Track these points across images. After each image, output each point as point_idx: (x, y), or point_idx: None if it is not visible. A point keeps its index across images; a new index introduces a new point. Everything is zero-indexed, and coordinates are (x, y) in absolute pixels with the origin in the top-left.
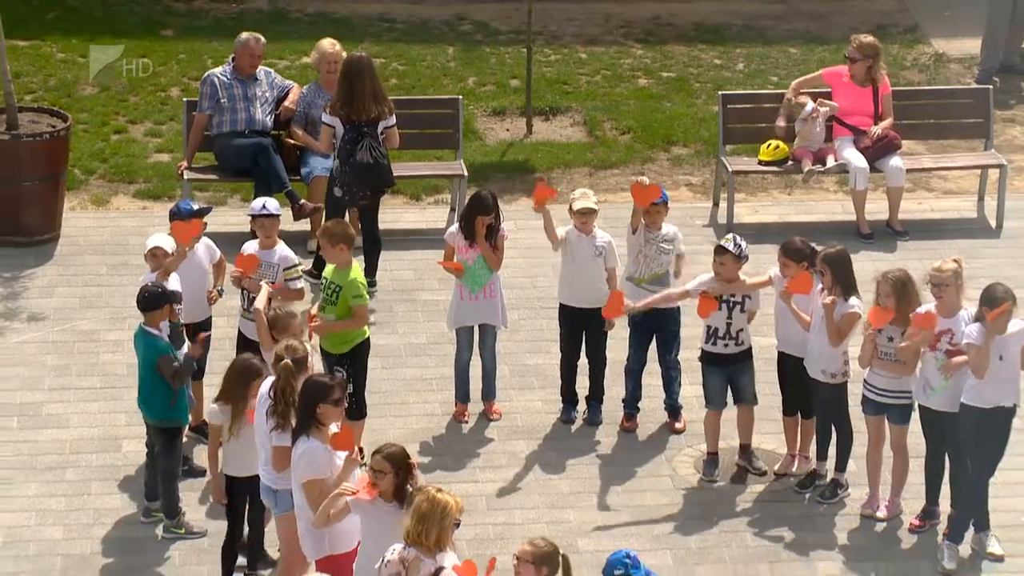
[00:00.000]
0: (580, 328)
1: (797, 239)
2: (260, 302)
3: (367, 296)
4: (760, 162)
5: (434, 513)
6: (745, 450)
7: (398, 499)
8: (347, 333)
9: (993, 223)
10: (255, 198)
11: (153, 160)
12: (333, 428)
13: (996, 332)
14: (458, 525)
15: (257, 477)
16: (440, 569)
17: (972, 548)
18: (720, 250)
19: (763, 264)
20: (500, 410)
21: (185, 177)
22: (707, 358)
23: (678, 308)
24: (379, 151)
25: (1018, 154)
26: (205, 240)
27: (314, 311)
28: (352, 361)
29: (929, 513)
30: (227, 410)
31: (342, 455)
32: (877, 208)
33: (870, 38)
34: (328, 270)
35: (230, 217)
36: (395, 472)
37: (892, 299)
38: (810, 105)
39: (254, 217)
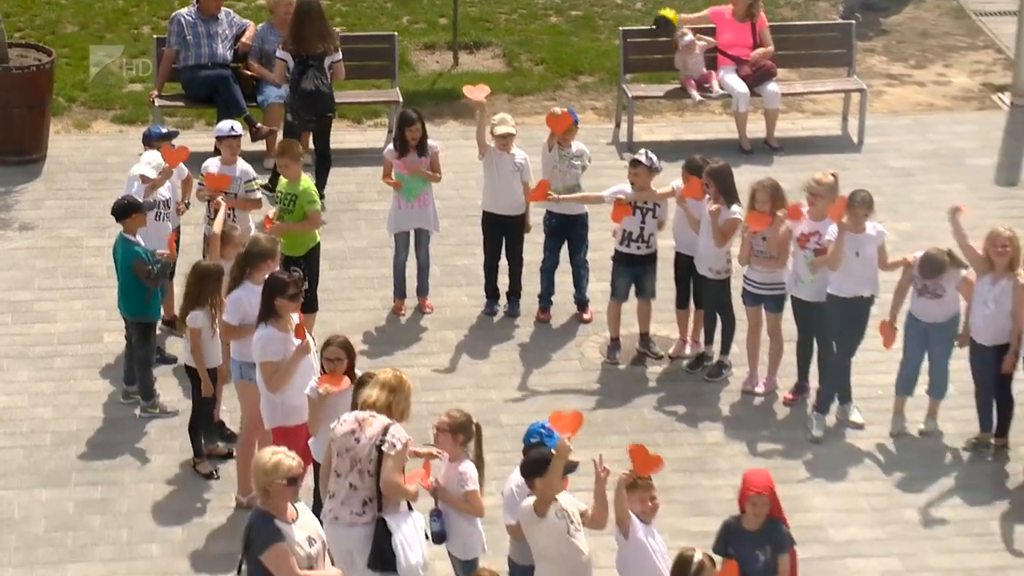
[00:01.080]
0: (500, 233)
1: (697, 156)
2: (217, 226)
3: (319, 203)
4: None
5: (403, 389)
6: (644, 337)
7: (351, 377)
8: (303, 237)
9: (855, 140)
10: (218, 122)
11: (128, 90)
12: (294, 319)
13: (847, 229)
14: None
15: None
16: (389, 424)
17: (837, 418)
18: (635, 163)
19: (659, 177)
20: (432, 304)
21: (156, 104)
22: (619, 257)
23: (586, 214)
24: (322, 81)
25: (877, 80)
26: None
27: (271, 214)
28: (307, 263)
29: (800, 388)
30: (201, 314)
31: (297, 342)
32: (756, 128)
33: None
34: (282, 183)
35: (195, 139)
36: (348, 358)
37: (767, 205)
38: (688, 36)
39: (221, 138)
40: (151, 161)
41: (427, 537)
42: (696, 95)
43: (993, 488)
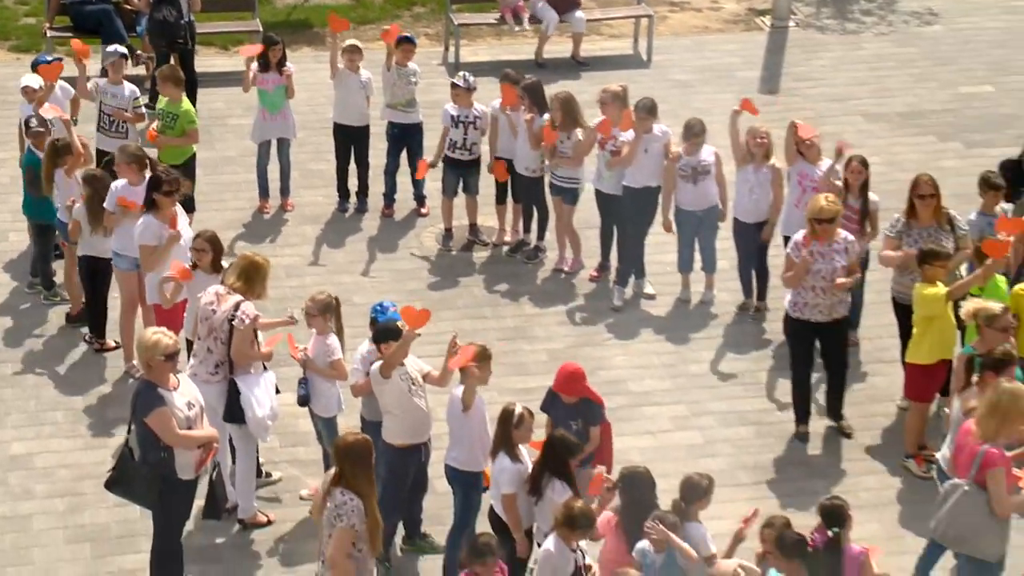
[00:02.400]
0: (349, 141)
1: (510, 71)
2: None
3: (197, 122)
4: None
5: (258, 272)
6: (472, 227)
7: (215, 270)
8: (182, 149)
9: (645, 58)
10: (104, 49)
11: (23, 23)
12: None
13: (639, 132)
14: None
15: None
16: (241, 302)
17: (633, 290)
18: (455, 85)
19: (483, 93)
20: (293, 203)
21: (48, 35)
22: (447, 161)
23: (422, 123)
24: (174, 13)
25: (661, 7)
26: (61, 83)
27: (154, 127)
28: (185, 170)
29: (603, 267)
30: (82, 207)
31: (172, 230)
32: (564, 48)
33: None
34: (163, 102)
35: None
36: (212, 250)
37: (559, 113)
38: None
39: (107, 60)
40: (33, 83)
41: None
42: (512, 23)
43: (757, 344)
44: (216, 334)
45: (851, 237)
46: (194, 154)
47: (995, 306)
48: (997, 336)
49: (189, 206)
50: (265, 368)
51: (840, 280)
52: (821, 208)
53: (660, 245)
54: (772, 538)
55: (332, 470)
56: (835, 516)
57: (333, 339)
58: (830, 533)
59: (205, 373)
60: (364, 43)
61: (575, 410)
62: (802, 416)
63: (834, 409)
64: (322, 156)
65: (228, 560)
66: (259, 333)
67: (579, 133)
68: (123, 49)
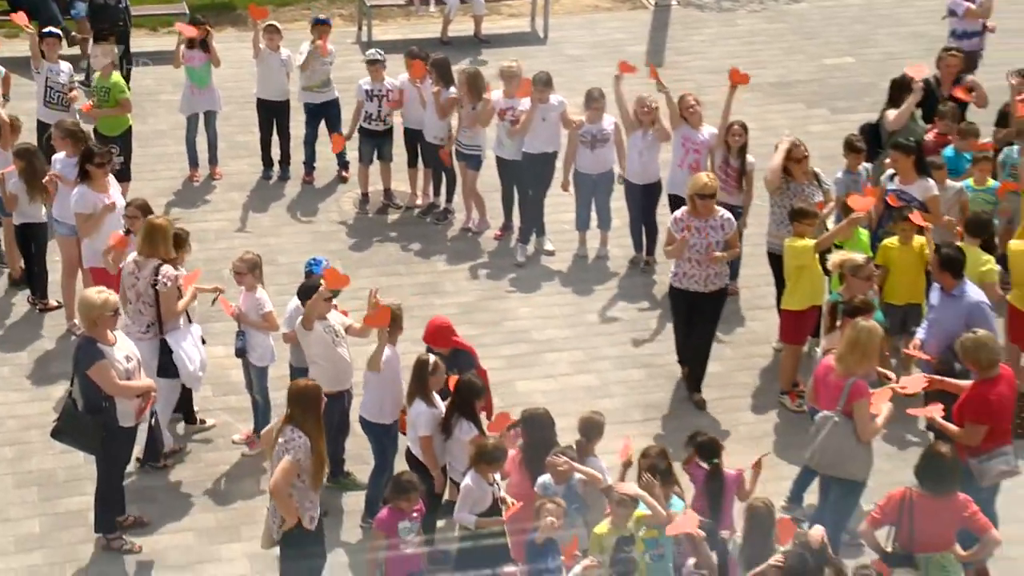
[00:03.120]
0: (271, 114)
1: (415, 48)
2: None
3: (128, 92)
4: None
5: (158, 232)
6: (387, 192)
7: None
8: (118, 120)
9: (541, 35)
10: (41, 30)
11: None
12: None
13: (535, 102)
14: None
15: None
16: (161, 263)
17: (534, 247)
18: (370, 61)
19: (393, 69)
20: (221, 172)
21: None
22: (363, 132)
23: (339, 99)
24: None
25: None
26: None
27: (88, 103)
28: (122, 141)
29: (506, 227)
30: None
31: (106, 199)
32: (467, 27)
33: None
34: (96, 78)
35: (19, 45)
36: (143, 216)
37: (466, 87)
38: None
39: (42, 38)
40: None
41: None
42: (420, 5)
43: (647, 294)
44: (143, 298)
45: (728, 214)
46: (130, 127)
47: (858, 257)
48: (860, 284)
49: (125, 175)
50: (190, 320)
51: (716, 253)
52: (705, 184)
53: (558, 205)
54: (647, 466)
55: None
56: (711, 448)
57: (262, 293)
58: (707, 465)
59: (138, 332)
60: (283, 24)
61: (448, 360)
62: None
63: (695, 380)
64: (247, 128)
65: (164, 501)
66: (181, 290)
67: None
68: (55, 31)
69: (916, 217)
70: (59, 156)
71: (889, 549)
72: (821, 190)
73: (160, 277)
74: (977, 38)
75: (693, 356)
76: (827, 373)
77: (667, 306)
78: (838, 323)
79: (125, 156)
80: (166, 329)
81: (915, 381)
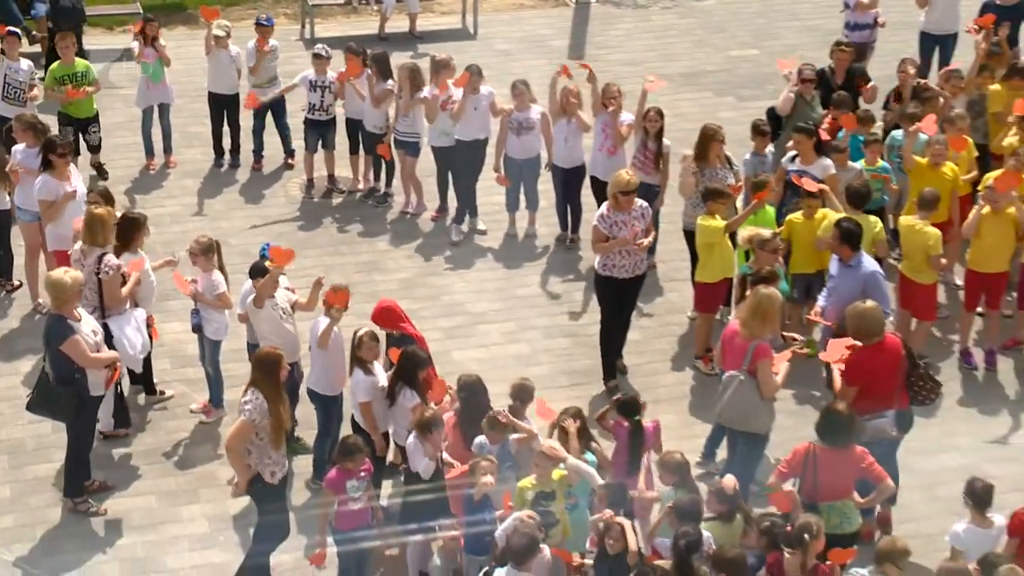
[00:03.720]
0: (221, 107)
1: (353, 44)
2: None
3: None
4: None
5: (96, 222)
6: (331, 178)
7: None
8: (90, 102)
9: (472, 31)
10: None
11: None
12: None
13: (468, 92)
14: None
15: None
16: (104, 254)
17: (468, 227)
18: (315, 55)
19: (335, 63)
20: (175, 160)
21: None
22: (308, 122)
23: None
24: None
25: None
26: None
27: (71, 88)
28: (96, 119)
29: (442, 208)
30: None
31: (68, 187)
32: (403, 25)
33: None
34: (63, 70)
35: None
36: (104, 202)
37: (406, 80)
38: None
39: (3, 37)
40: None
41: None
42: (357, 2)
43: (572, 269)
44: (89, 284)
45: (644, 203)
46: (96, 112)
47: (765, 232)
48: (767, 257)
49: (99, 148)
50: (136, 305)
51: (643, 242)
52: (627, 182)
53: (490, 189)
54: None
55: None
56: (633, 406)
57: (217, 275)
58: (629, 423)
59: (87, 315)
60: (233, 21)
61: (396, 340)
62: (607, 352)
63: (617, 348)
64: (199, 120)
65: (127, 466)
66: (125, 276)
67: (422, 95)
68: (15, 29)
69: (807, 183)
70: (19, 147)
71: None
72: (732, 172)
73: (103, 266)
74: (868, 30)
75: (620, 332)
76: (733, 337)
77: (591, 280)
78: (747, 293)
79: (94, 145)
80: (109, 314)
81: (836, 347)
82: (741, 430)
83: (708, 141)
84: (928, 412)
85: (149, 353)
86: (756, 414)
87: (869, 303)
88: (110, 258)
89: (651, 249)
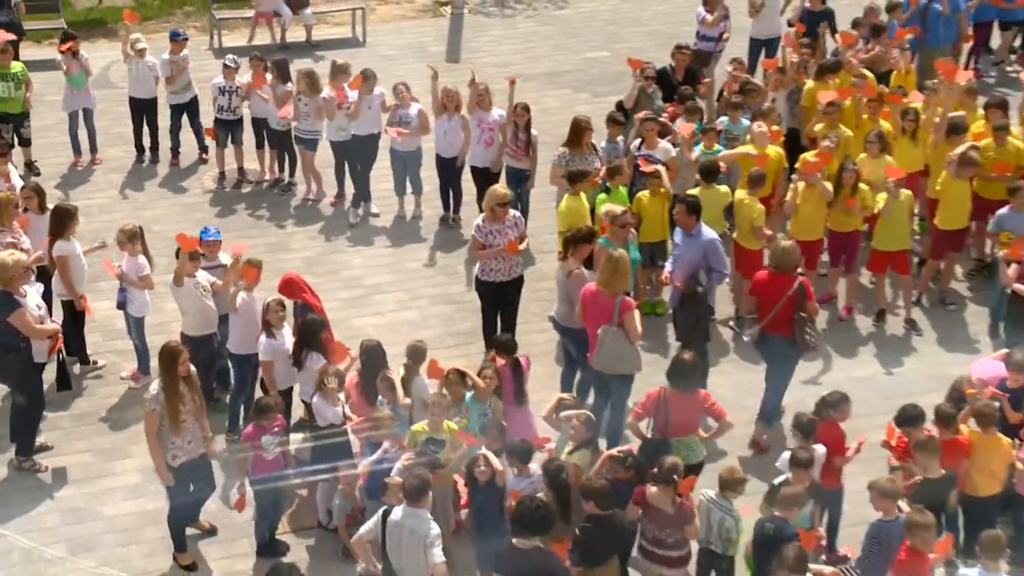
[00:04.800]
0: (141, 110)
1: (257, 53)
2: None
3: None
4: None
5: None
6: (240, 170)
7: (42, 211)
8: (19, 102)
9: (361, 40)
10: None
11: None
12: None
13: (363, 93)
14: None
15: None
16: (11, 244)
17: (363, 211)
18: (225, 65)
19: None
20: (101, 158)
21: None
22: (218, 122)
23: (196, 98)
24: (12, 14)
25: (371, 0)
26: None
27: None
28: (29, 120)
29: (339, 195)
30: None
31: (3, 184)
32: (300, 34)
33: None
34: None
35: None
36: (37, 196)
37: (304, 83)
38: None
39: None
40: None
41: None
42: (258, 26)
43: (454, 244)
44: None
45: (518, 214)
46: (27, 112)
47: (617, 208)
48: (619, 231)
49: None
50: (39, 281)
51: (519, 247)
52: (504, 195)
53: (381, 176)
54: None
55: None
56: (510, 345)
57: (141, 259)
58: (508, 361)
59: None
60: (148, 34)
61: (299, 309)
62: (489, 345)
63: (508, 330)
64: (121, 122)
65: (66, 428)
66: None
67: (320, 99)
68: None
69: (644, 163)
70: None
71: (648, 436)
72: (599, 158)
73: None
74: (713, 43)
75: (503, 327)
76: (596, 297)
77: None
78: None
79: (27, 142)
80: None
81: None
82: (616, 374)
83: (581, 131)
84: (752, 356)
85: (83, 327)
86: (629, 358)
87: (790, 243)
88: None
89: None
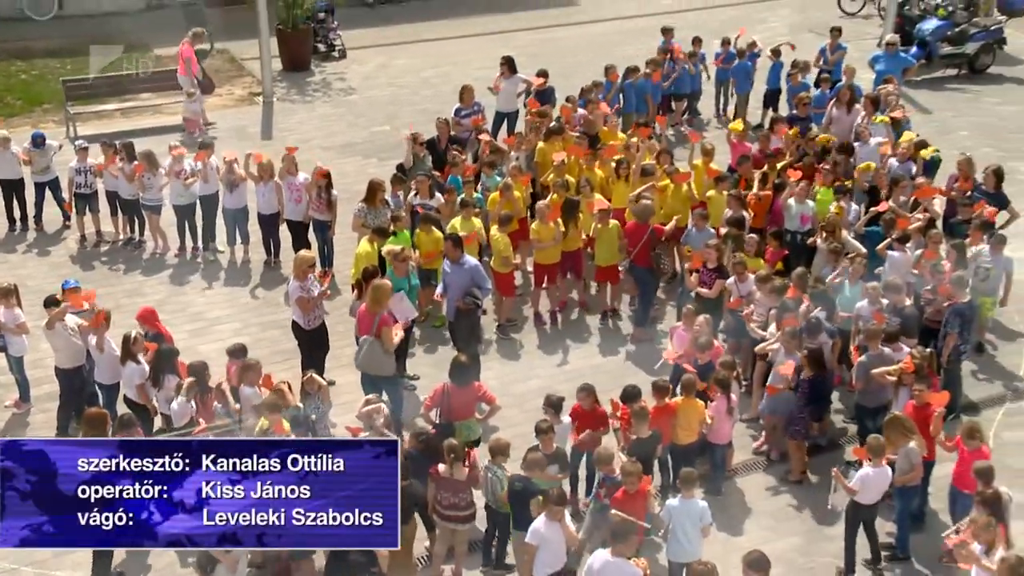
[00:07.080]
0: (11, 189)
1: (105, 140)
2: None
3: None
4: None
5: None
6: (98, 232)
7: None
8: None
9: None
10: None
11: None
12: None
13: (206, 162)
14: None
15: None
16: None
17: (209, 255)
18: (79, 148)
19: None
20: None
21: None
22: (77, 195)
23: (57, 178)
24: None
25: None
26: None
27: None
28: None
29: (182, 247)
30: None
31: None
32: (152, 121)
33: None
34: None
35: None
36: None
37: (146, 161)
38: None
39: None
40: None
41: None
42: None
43: (275, 283)
44: None
45: (320, 270)
46: None
47: (396, 248)
48: (400, 265)
49: None
50: None
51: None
52: (310, 258)
53: (219, 231)
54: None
55: None
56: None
57: (17, 310)
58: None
59: None
60: (10, 130)
61: (153, 337)
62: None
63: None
64: None
65: None
66: None
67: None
68: None
69: (420, 211)
70: None
71: (437, 421)
72: (390, 210)
73: None
74: (468, 118)
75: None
76: (365, 314)
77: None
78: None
79: None
80: None
81: None
82: (375, 374)
83: (375, 190)
84: (513, 353)
85: None
86: (383, 362)
87: (647, 202)
88: None
89: (328, 262)
